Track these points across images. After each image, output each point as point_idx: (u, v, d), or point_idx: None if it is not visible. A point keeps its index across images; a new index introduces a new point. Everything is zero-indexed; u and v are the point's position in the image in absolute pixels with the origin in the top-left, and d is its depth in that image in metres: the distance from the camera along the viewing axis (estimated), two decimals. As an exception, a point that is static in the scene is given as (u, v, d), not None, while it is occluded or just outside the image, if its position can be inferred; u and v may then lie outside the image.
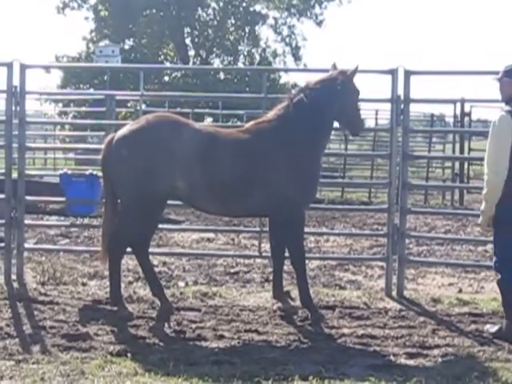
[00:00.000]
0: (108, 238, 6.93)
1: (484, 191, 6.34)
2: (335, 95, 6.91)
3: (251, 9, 36.63)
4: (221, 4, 36.58)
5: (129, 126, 6.93)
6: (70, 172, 13.88)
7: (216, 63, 36.98)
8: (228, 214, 7.70)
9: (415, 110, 21.02)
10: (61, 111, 28.25)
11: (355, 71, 6.97)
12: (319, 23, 37.14)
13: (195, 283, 8.45)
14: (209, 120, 27.75)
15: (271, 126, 6.94)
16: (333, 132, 7.48)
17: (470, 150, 19.07)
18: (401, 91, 7.99)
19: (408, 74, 7.99)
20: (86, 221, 12.06)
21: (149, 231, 7.02)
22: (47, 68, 31.54)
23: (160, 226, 10.07)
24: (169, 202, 7.41)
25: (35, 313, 6.88)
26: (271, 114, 7.09)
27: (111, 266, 6.88)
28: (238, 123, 17.98)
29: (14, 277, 8.12)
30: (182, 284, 8.38)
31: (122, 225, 6.85)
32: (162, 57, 36.94)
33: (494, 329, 6.51)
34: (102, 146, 7.06)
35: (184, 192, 6.77)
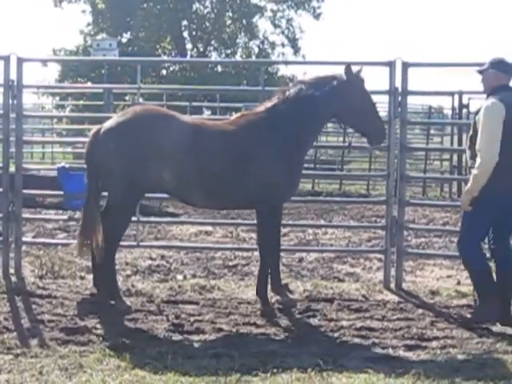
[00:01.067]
0: (102, 232, 6.83)
1: (475, 171, 6.40)
2: (330, 92, 6.89)
3: (248, 1, 36.51)
4: (218, -4, 36.50)
5: (115, 118, 6.89)
6: (67, 166, 13.94)
7: (214, 56, 36.87)
8: (214, 206, 7.64)
9: (413, 102, 21.08)
10: (58, 105, 28.22)
11: (348, 70, 6.94)
12: (317, 16, 37.04)
13: (193, 276, 8.45)
14: (207, 113, 27.68)
15: (258, 118, 6.94)
16: (330, 124, 7.47)
17: (467, 142, 19.03)
18: (398, 83, 7.98)
19: (406, 65, 7.97)
20: (84, 214, 12.04)
21: (128, 223, 7.07)
22: (44, 62, 31.51)
23: (158, 219, 10.08)
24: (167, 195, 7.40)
25: (33, 307, 6.87)
26: (260, 107, 7.10)
27: (106, 259, 6.84)
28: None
29: (12, 271, 8.12)
30: (180, 277, 8.38)
31: (114, 217, 6.83)
32: (160, 50, 36.81)
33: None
34: (87, 139, 7.02)
35: (170, 184, 6.76)
